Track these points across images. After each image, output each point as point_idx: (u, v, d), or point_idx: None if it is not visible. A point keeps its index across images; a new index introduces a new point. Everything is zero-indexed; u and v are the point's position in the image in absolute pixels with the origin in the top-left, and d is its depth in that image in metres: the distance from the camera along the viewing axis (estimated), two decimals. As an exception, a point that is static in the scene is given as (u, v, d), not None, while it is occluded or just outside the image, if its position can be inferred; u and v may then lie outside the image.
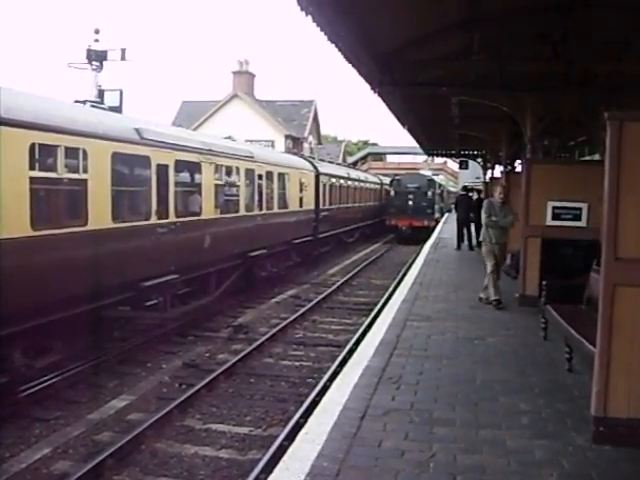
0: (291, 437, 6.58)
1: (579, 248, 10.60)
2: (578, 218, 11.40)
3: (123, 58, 15.05)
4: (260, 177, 18.06)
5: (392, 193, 38.71)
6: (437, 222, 39.42)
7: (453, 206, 35.72)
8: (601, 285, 5.41)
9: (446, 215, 49.29)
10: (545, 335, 9.09)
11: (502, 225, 11.94)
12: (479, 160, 33.52)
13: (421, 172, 53.10)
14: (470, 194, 26.01)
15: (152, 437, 8.04)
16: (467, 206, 24.10)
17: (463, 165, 36.48)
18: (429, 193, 38.08)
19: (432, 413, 6.13)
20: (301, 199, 22.81)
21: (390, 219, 37.79)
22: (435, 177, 49.17)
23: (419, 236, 33.71)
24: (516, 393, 6.77)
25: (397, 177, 41.16)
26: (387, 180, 45.38)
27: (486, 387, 7.02)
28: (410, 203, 37.30)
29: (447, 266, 18.74)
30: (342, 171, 32.28)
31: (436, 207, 39.77)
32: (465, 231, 24.24)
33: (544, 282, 9.19)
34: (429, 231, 34.12)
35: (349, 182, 32.67)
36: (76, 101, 12.09)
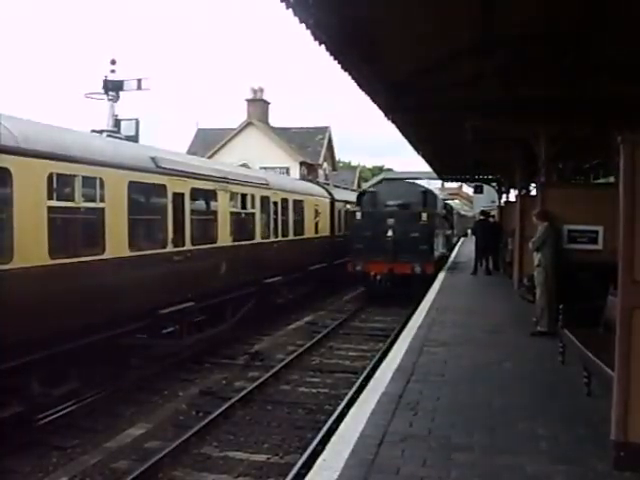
0: (308, 465, 6.56)
1: (596, 271, 10.53)
2: (594, 241, 11.36)
3: (139, 88, 15.25)
4: (275, 204, 18.16)
5: (358, 216, 22.65)
6: (439, 266, 24.43)
7: (470, 231, 35.03)
8: (618, 308, 5.37)
9: (461, 240, 48.52)
10: (563, 359, 9.00)
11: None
12: (494, 184, 33.47)
13: (412, 181, 31.20)
14: (484, 217, 25.74)
15: (169, 465, 8.03)
16: (485, 231, 23.91)
17: (478, 189, 36.39)
18: (424, 216, 21.75)
19: (450, 439, 6.08)
20: (316, 225, 22.88)
21: (355, 261, 21.89)
22: (436, 191, 32.76)
23: (407, 291, 20.62)
24: (534, 418, 6.70)
25: (369, 189, 26.47)
26: None
27: (504, 412, 6.95)
28: (390, 233, 21.40)
29: (464, 291, 18.65)
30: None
31: (438, 239, 24.28)
32: (483, 255, 24.07)
33: (561, 306, 9.14)
34: (424, 282, 20.19)
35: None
36: (93, 131, 12.27)
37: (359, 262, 21.70)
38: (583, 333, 7.90)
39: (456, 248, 38.56)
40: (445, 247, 29.67)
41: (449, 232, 34.76)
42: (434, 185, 56.72)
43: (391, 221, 21.55)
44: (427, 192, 24.14)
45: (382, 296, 21.52)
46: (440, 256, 25.44)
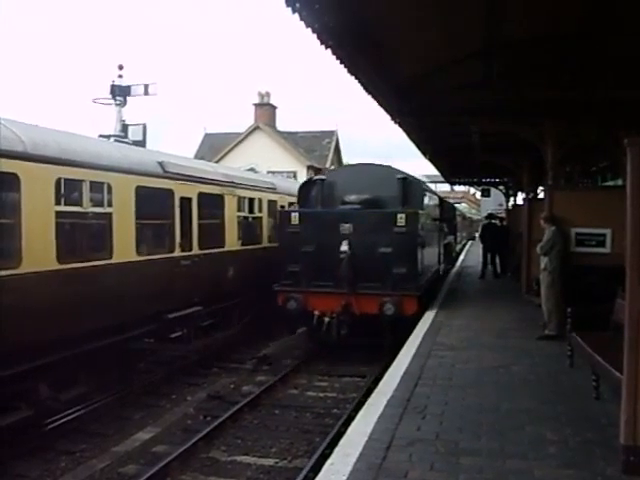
0: (316, 469, 6.54)
1: (604, 274, 10.50)
2: (602, 244, 11.34)
3: (146, 93, 15.30)
4: (282, 208, 18.16)
5: (295, 219, 14.18)
6: (429, 298, 15.96)
7: (477, 235, 34.66)
8: (626, 311, 5.35)
9: (469, 243, 48.23)
10: (571, 363, 8.97)
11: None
12: (501, 187, 33.43)
13: (386, 165, 16.74)
14: (494, 221, 25.68)
15: (177, 469, 8.02)
16: (493, 234, 23.85)
17: (485, 193, 36.37)
18: (401, 218, 13.49)
19: (458, 443, 6.07)
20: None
21: (287, 292, 13.97)
22: (422, 179, 21.88)
23: (374, 342, 13.52)
24: (542, 422, 6.67)
25: (318, 177, 16.61)
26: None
27: (512, 416, 6.92)
28: (345, 248, 13.41)
29: (471, 294, 18.60)
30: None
31: (428, 254, 15.86)
32: (490, 259, 24.03)
33: (569, 309, 9.11)
34: (404, 326, 12.84)
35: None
36: (100, 136, 12.31)
37: (294, 294, 13.59)
38: (592, 336, 7.88)
39: (462, 254, 37.02)
40: (444, 261, 21.32)
41: (450, 239, 26.91)
42: (441, 189, 53.99)
43: (347, 227, 13.39)
44: (408, 181, 14.99)
45: (334, 347, 13.73)
46: (432, 280, 16.74)
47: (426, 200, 15.86)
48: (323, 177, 15.64)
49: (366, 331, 13.27)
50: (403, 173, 15.28)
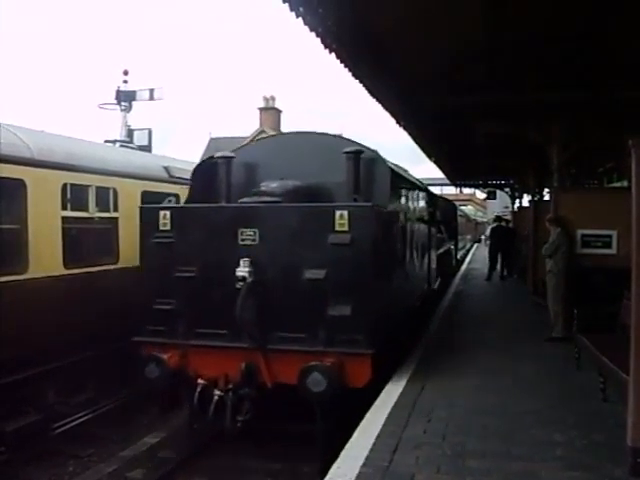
0: (324, 471, 6.52)
1: (610, 275, 10.47)
2: (608, 245, 11.32)
3: (151, 98, 15.35)
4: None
5: (165, 224, 8.35)
6: (391, 362, 8.97)
7: (484, 237, 34.44)
8: (632, 312, 5.34)
9: (475, 246, 48.01)
10: (578, 365, 8.96)
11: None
12: (507, 190, 33.38)
13: (327, 134, 10.44)
14: (502, 223, 25.67)
15: (184, 474, 8.03)
16: (500, 236, 23.82)
17: (491, 195, 36.30)
18: (341, 219, 7.62)
19: (464, 445, 6.06)
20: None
21: (152, 346, 8.19)
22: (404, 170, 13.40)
23: (300, 430, 7.91)
24: (549, 424, 6.66)
25: (222, 154, 9.48)
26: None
27: (519, 418, 6.91)
28: (244, 271, 7.74)
29: (478, 296, 18.57)
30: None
31: (397, 275, 9.76)
32: (500, 260, 24.03)
33: (576, 311, 9.10)
34: (349, 402, 7.50)
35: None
36: (106, 141, 12.36)
37: (158, 353, 8.17)
38: (598, 338, 7.87)
39: (466, 260, 34.91)
40: (436, 278, 15.59)
41: (448, 246, 21.36)
42: (448, 192, 52.53)
43: (250, 235, 8.03)
44: (367, 159, 9.03)
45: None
46: (406, 317, 10.64)
47: (402, 192, 10.53)
48: (230, 154, 9.42)
49: (284, 414, 8.14)
50: (360, 146, 9.10)
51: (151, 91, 15.32)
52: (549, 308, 11.54)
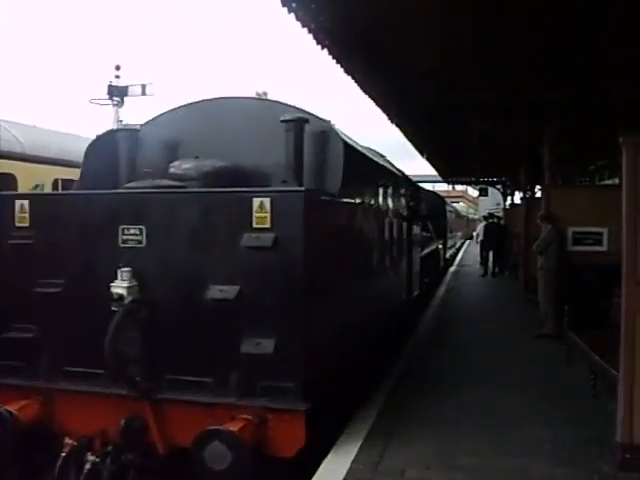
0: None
1: (601, 273, 10.51)
2: (599, 243, 11.35)
3: (143, 93, 15.33)
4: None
5: (21, 214, 5.81)
6: (337, 419, 6.24)
7: (475, 234, 34.37)
8: (622, 310, 5.36)
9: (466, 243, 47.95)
10: (568, 361, 8.98)
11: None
12: (499, 187, 33.47)
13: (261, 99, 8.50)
14: (493, 220, 25.81)
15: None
16: (493, 233, 23.95)
17: (483, 192, 36.38)
18: (261, 210, 5.14)
19: (456, 442, 6.07)
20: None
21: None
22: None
23: None
24: (539, 420, 6.68)
25: (124, 127, 8.95)
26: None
27: (509, 414, 6.93)
28: (121, 290, 5.23)
29: (470, 292, 18.61)
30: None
31: (352, 291, 6.91)
32: (491, 257, 24.15)
33: (566, 307, 9.13)
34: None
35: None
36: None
37: (20, 396, 5.60)
38: (589, 335, 7.89)
39: (457, 259, 33.99)
40: (419, 285, 13.28)
41: (435, 245, 19.36)
42: (440, 188, 51.08)
43: (133, 235, 5.49)
44: (314, 131, 6.37)
45: None
46: (354, 360, 6.88)
47: (365, 178, 8.02)
48: (135, 127, 7.54)
49: None
50: (306, 114, 6.45)
51: (143, 86, 15.31)
52: (540, 305, 11.57)
